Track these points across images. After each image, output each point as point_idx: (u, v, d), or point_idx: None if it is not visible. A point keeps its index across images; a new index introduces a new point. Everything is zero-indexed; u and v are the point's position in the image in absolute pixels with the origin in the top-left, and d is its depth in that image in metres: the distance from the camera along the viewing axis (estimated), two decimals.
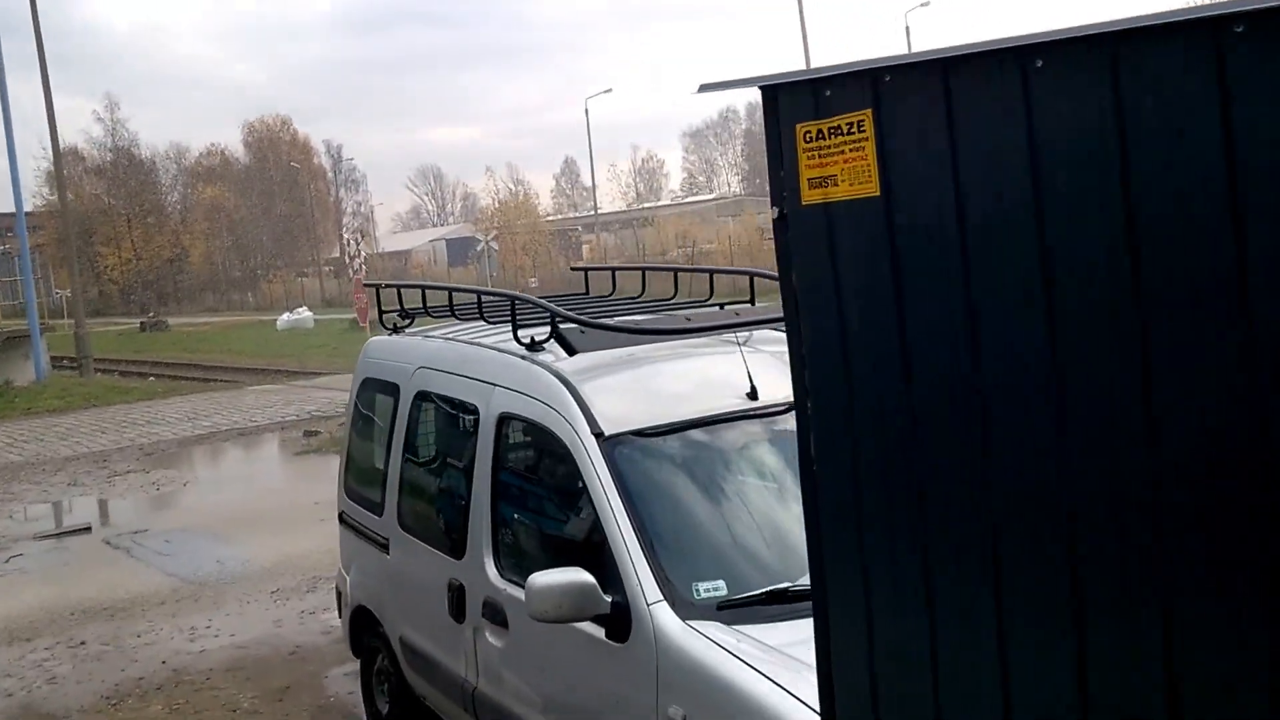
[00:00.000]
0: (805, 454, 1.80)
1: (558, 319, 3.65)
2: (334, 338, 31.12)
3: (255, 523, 9.64)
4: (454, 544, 4.01)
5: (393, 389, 4.66)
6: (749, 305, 4.22)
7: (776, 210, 1.84)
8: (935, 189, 1.58)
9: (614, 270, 5.27)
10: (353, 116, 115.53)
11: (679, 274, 4.81)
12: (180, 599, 7.62)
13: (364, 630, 4.90)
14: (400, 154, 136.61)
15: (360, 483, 5.05)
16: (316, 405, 17.35)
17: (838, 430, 1.75)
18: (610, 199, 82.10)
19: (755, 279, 4.29)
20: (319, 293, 59.50)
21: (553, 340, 3.73)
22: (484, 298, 4.27)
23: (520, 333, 3.83)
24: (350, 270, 18.45)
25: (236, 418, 16.74)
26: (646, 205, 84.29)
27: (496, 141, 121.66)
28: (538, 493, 3.80)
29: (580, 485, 3.35)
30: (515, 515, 3.84)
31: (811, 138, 1.74)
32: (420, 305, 4.73)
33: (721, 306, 4.22)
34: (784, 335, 4.25)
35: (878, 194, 1.67)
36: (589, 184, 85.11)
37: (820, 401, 1.78)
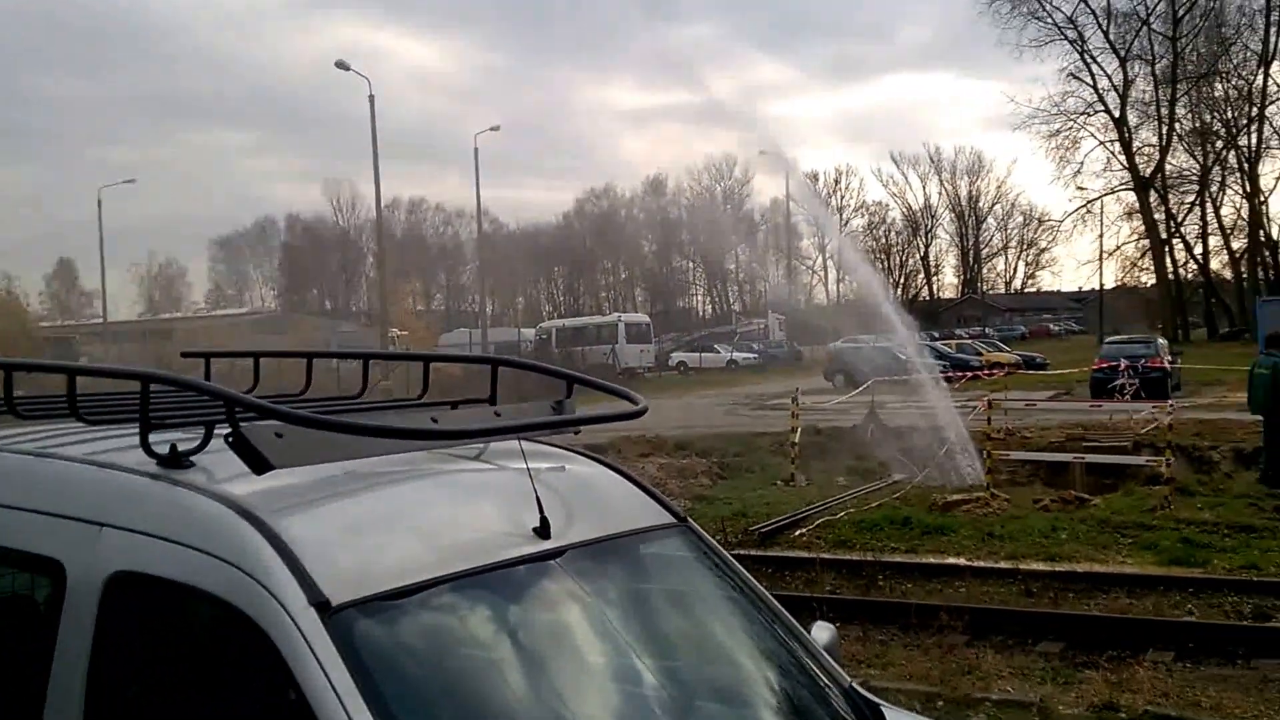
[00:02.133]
0: None
1: (239, 411, 2.24)
2: None
3: None
4: None
5: None
6: (489, 406, 3.06)
7: None
8: None
9: (256, 357, 3.76)
10: None
11: (369, 362, 3.48)
12: None
13: None
14: None
15: None
16: None
17: None
18: (119, 307, 72.58)
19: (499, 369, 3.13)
20: None
21: (210, 449, 2.32)
22: (79, 379, 2.67)
23: (153, 438, 2.36)
24: None
25: None
26: (166, 316, 76.53)
27: None
28: (193, 706, 2.25)
29: (292, 696, 1.96)
30: None
31: None
32: None
33: (454, 406, 3.03)
34: (553, 448, 3.20)
35: None
36: (88, 288, 75.63)
37: None
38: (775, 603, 2.90)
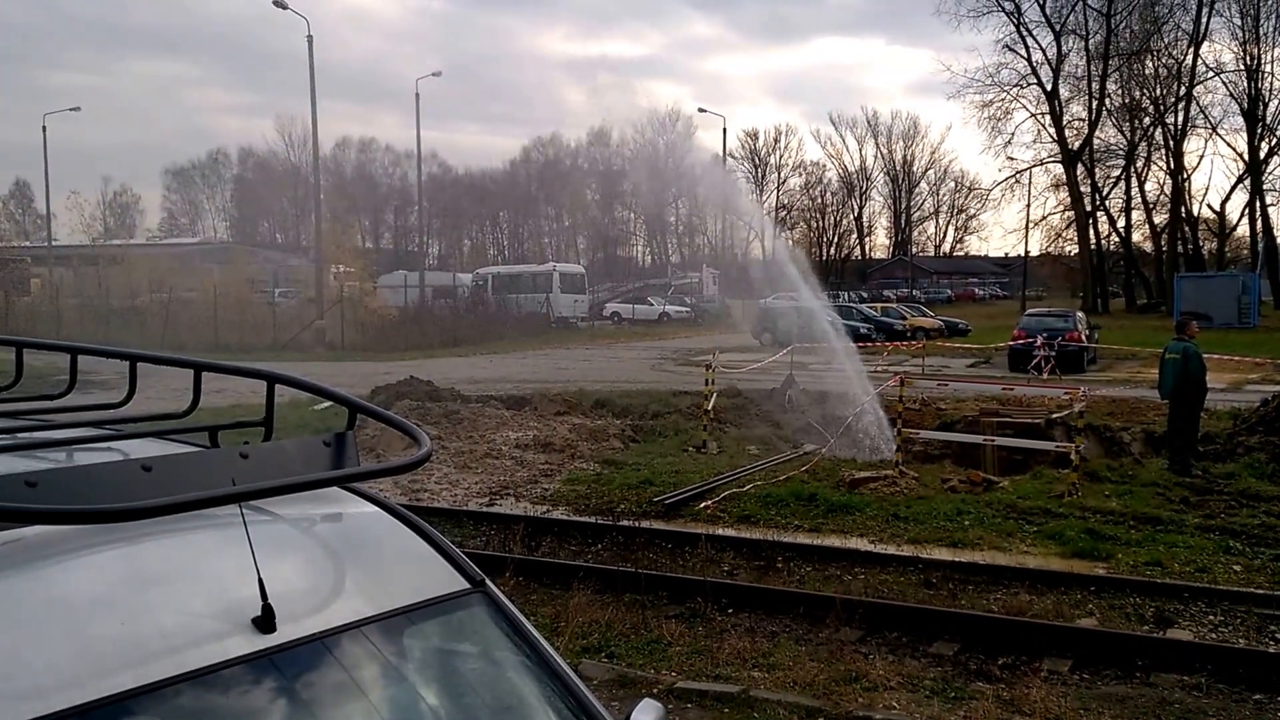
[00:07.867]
0: None
1: None
2: None
3: None
4: None
5: None
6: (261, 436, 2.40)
7: None
8: None
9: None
10: None
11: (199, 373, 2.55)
12: None
13: None
14: None
15: None
16: None
17: None
18: (72, 231, 70.66)
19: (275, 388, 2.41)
20: None
21: None
22: None
23: None
24: None
25: None
26: (118, 242, 74.16)
27: None
28: None
29: None
30: None
31: None
32: None
33: (214, 437, 2.37)
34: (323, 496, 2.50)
35: None
36: (45, 211, 73.05)
37: None
38: (584, 690, 2.35)
